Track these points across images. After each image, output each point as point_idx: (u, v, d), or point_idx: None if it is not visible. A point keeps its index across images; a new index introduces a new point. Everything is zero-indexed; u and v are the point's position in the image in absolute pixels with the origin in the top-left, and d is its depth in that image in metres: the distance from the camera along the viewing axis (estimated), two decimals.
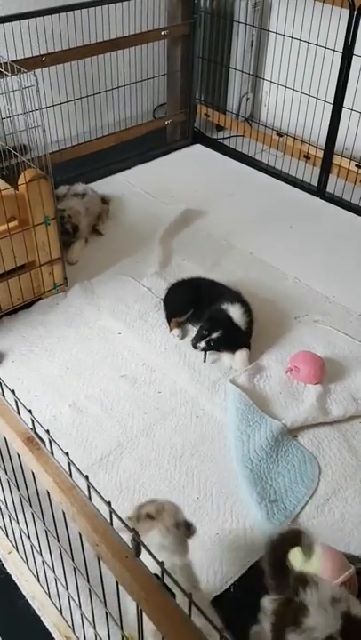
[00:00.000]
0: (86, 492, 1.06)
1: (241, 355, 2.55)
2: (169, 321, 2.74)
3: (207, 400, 2.41)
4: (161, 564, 0.91)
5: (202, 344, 2.53)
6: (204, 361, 2.57)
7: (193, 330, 2.69)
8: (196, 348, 2.56)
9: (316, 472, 2.15)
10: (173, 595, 0.93)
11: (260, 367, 2.55)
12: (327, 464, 2.18)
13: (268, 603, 1.49)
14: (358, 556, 1.87)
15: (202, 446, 2.24)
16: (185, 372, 2.52)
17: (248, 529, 1.99)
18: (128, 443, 2.24)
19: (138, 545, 0.95)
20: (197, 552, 1.86)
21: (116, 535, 1.00)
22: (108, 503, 0.99)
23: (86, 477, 1.02)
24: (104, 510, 1.02)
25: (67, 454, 1.04)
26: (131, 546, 0.97)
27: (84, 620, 1.48)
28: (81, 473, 1.02)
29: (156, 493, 2.03)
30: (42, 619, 1.73)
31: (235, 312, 2.57)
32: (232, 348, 2.55)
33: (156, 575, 0.94)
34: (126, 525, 0.96)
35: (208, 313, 2.60)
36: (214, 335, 2.51)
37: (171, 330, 2.71)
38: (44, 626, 1.72)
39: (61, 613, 1.66)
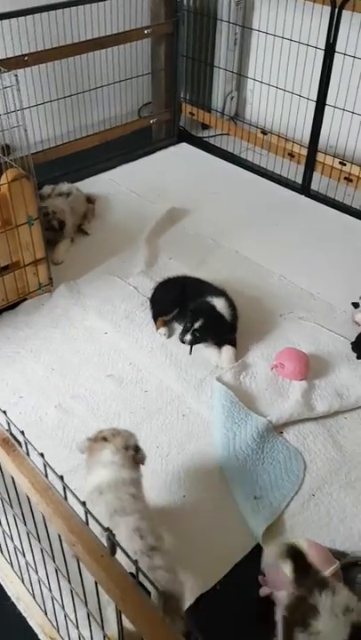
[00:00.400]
0: (62, 493, 1.05)
1: (227, 352, 2.55)
2: (155, 320, 2.74)
3: (193, 398, 2.41)
4: (135, 562, 0.91)
5: (188, 337, 2.53)
6: (190, 353, 2.56)
7: (179, 328, 2.68)
8: (183, 342, 2.56)
9: (302, 468, 2.15)
10: (149, 593, 0.93)
11: (246, 364, 2.56)
12: (312, 460, 2.19)
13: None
14: (343, 552, 1.88)
15: (188, 444, 2.25)
16: (171, 371, 2.52)
17: (234, 526, 1.99)
18: None
19: (113, 544, 0.95)
20: (184, 549, 1.87)
21: (92, 535, 1.00)
22: (83, 503, 0.99)
23: (61, 478, 1.02)
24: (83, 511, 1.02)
25: (42, 455, 1.04)
26: (106, 545, 0.97)
27: (68, 620, 1.48)
28: (56, 474, 1.02)
29: None
30: (27, 620, 1.73)
31: (218, 302, 2.57)
32: (218, 337, 2.55)
33: (131, 574, 0.94)
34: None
35: (191, 305, 2.60)
36: (197, 324, 2.51)
37: (157, 329, 2.71)
38: (30, 627, 1.72)
39: (46, 614, 1.66)
